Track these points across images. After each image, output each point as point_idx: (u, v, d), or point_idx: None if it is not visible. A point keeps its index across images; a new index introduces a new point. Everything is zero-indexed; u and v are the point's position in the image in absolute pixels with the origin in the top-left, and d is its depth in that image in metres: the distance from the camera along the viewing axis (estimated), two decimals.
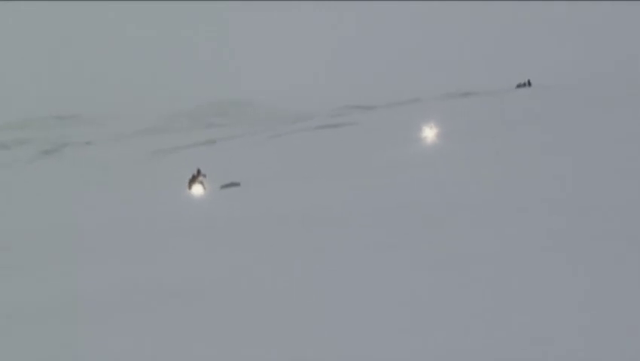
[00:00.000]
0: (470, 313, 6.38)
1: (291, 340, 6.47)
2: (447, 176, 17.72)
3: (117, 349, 6.68)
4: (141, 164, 52.91)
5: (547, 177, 15.12)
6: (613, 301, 6.18)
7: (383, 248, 9.67)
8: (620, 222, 9.68)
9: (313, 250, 10.29)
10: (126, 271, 10.57)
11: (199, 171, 26.76)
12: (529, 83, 63.28)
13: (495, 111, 43.43)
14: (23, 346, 7.28)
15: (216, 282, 9.02)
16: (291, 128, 61.33)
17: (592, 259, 7.80)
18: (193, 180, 26.58)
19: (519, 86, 63.77)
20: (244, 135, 63.13)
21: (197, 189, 26.21)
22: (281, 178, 26.23)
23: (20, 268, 12.34)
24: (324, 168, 27.54)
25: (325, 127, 54.64)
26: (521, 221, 10.37)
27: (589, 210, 10.89)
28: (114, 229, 16.96)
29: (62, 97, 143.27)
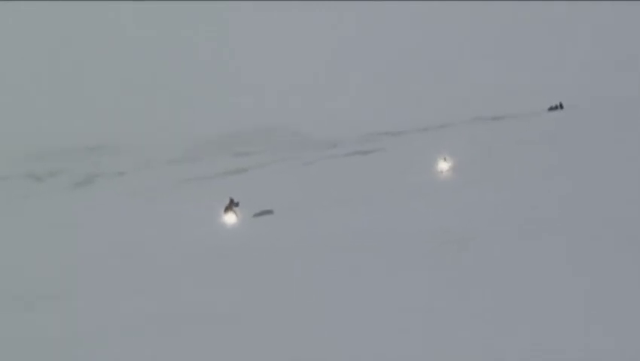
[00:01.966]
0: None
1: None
2: (465, 203, 17.50)
3: None
4: (172, 193, 53.29)
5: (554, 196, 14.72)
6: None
7: (398, 268, 9.57)
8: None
9: (330, 272, 10.37)
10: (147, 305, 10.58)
11: (232, 200, 26.93)
12: (561, 106, 61.76)
13: (521, 135, 42.86)
14: None
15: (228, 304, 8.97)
16: (319, 155, 61.42)
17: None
18: (227, 208, 26.71)
19: (551, 109, 62.06)
20: (271, 163, 63.32)
21: (230, 218, 26.32)
22: (311, 206, 26.30)
23: (47, 299, 12.45)
24: (353, 195, 27.55)
25: (354, 154, 54.56)
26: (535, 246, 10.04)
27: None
28: (142, 260, 17.06)
29: (88, 128, 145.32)
